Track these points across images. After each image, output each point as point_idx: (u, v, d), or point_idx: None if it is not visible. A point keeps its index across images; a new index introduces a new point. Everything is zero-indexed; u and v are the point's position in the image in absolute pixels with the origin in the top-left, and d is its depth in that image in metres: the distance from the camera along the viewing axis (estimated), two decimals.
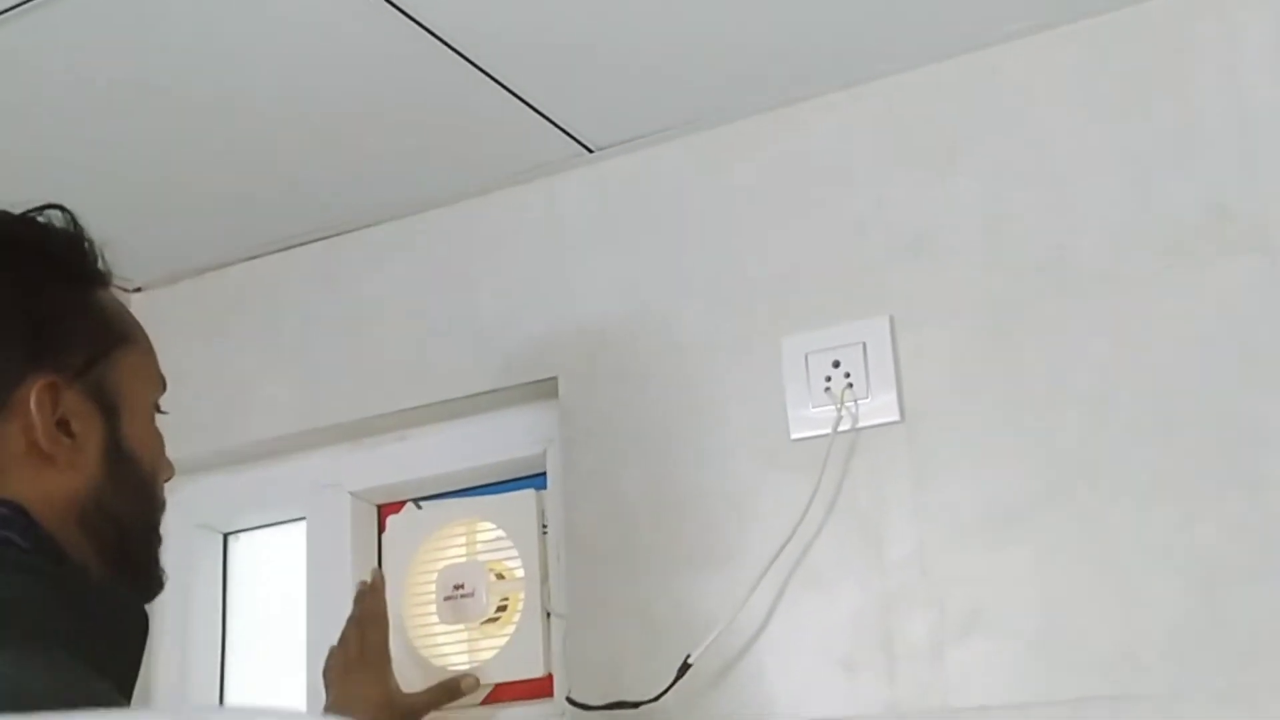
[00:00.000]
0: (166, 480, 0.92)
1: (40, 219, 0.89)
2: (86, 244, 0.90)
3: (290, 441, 1.61)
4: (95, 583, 0.82)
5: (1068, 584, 1.17)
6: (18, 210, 0.89)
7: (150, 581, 0.89)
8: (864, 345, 1.28)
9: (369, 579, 1.44)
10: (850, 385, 1.28)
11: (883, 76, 1.34)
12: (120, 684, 0.79)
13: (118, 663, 0.80)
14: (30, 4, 1.12)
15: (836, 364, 1.29)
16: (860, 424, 1.27)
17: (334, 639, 1.55)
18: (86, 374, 0.84)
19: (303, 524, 1.65)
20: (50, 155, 1.39)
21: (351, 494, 1.61)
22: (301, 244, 1.63)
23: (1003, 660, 1.18)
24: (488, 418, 1.53)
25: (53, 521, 0.80)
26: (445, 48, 1.24)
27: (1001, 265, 1.26)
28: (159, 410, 0.92)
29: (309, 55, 1.25)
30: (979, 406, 1.24)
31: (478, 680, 1.41)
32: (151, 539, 0.89)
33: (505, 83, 1.32)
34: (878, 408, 1.27)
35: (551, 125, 1.40)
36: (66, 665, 0.73)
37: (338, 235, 1.61)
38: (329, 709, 1.28)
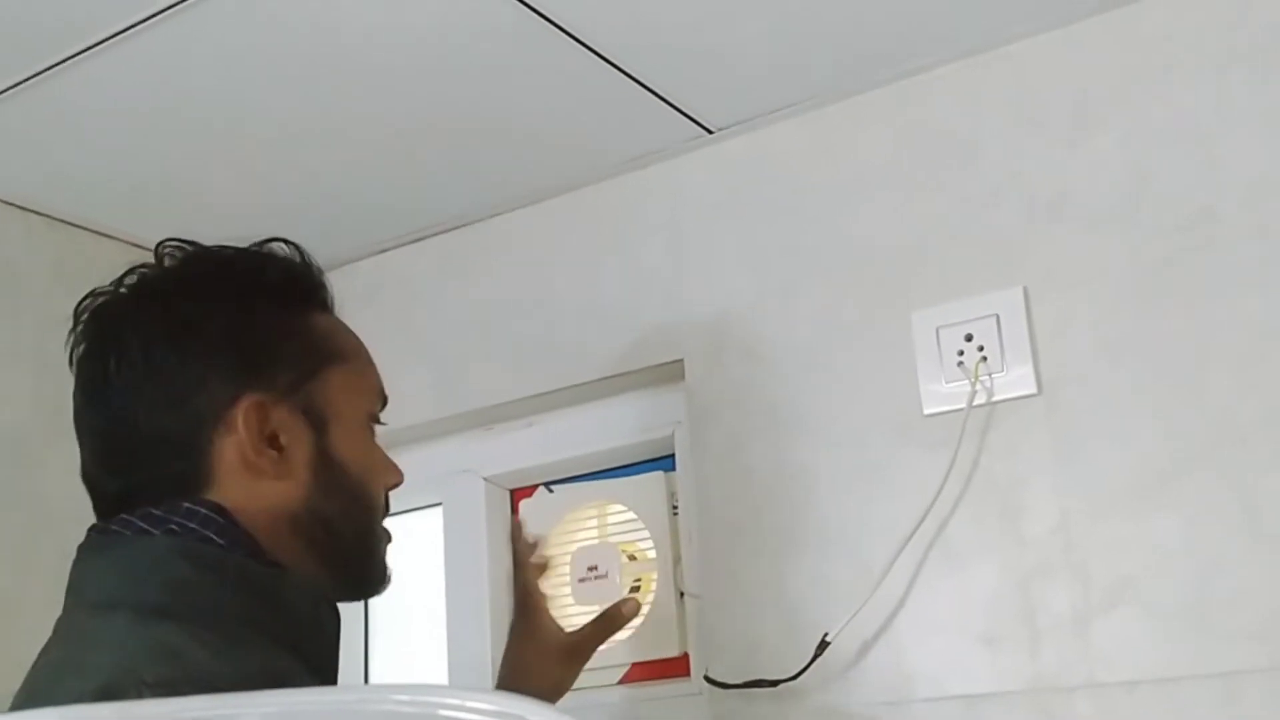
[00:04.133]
0: (393, 486, 0.97)
1: (262, 251, 0.95)
2: (303, 273, 0.96)
3: (424, 429, 1.64)
4: (290, 577, 0.87)
5: (1217, 553, 1.14)
6: (244, 243, 0.96)
7: (367, 579, 0.95)
8: (997, 317, 1.26)
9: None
10: (984, 359, 1.26)
11: (1007, 43, 1.32)
12: (318, 666, 0.86)
13: (313, 646, 0.87)
14: (188, 6, 1.17)
15: (969, 337, 1.27)
16: (995, 397, 1.25)
17: (472, 619, 1.60)
18: (296, 391, 0.90)
19: (439, 509, 1.69)
20: (197, 158, 1.44)
21: (485, 479, 1.64)
22: (430, 236, 1.66)
23: (1151, 633, 1.15)
24: (615, 401, 1.54)
25: (260, 525, 0.86)
26: (562, 34, 1.25)
27: (1142, 228, 1.23)
28: (378, 422, 0.97)
29: (430, 51, 1.27)
30: (1121, 374, 1.21)
31: (638, 604, 1.34)
32: (368, 540, 0.95)
33: (623, 66, 1.32)
34: (1013, 380, 1.25)
35: (670, 108, 1.41)
36: (239, 639, 0.79)
37: (464, 226, 1.64)
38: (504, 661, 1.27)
